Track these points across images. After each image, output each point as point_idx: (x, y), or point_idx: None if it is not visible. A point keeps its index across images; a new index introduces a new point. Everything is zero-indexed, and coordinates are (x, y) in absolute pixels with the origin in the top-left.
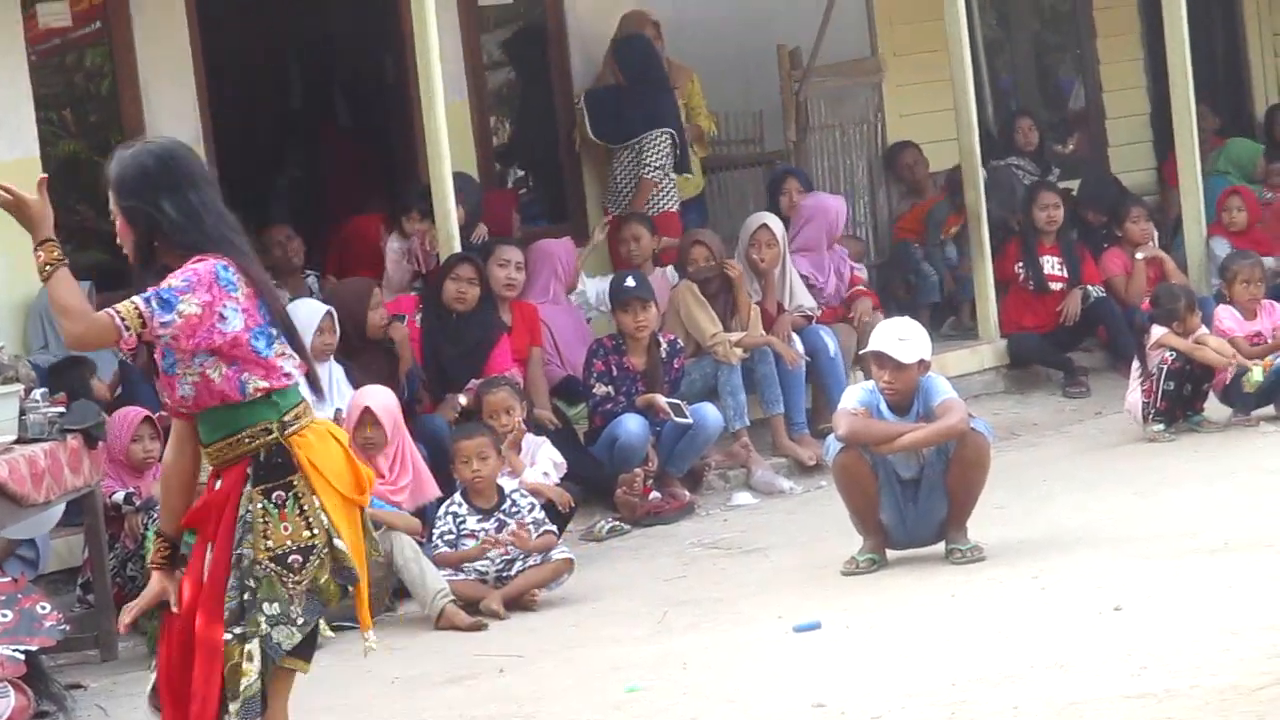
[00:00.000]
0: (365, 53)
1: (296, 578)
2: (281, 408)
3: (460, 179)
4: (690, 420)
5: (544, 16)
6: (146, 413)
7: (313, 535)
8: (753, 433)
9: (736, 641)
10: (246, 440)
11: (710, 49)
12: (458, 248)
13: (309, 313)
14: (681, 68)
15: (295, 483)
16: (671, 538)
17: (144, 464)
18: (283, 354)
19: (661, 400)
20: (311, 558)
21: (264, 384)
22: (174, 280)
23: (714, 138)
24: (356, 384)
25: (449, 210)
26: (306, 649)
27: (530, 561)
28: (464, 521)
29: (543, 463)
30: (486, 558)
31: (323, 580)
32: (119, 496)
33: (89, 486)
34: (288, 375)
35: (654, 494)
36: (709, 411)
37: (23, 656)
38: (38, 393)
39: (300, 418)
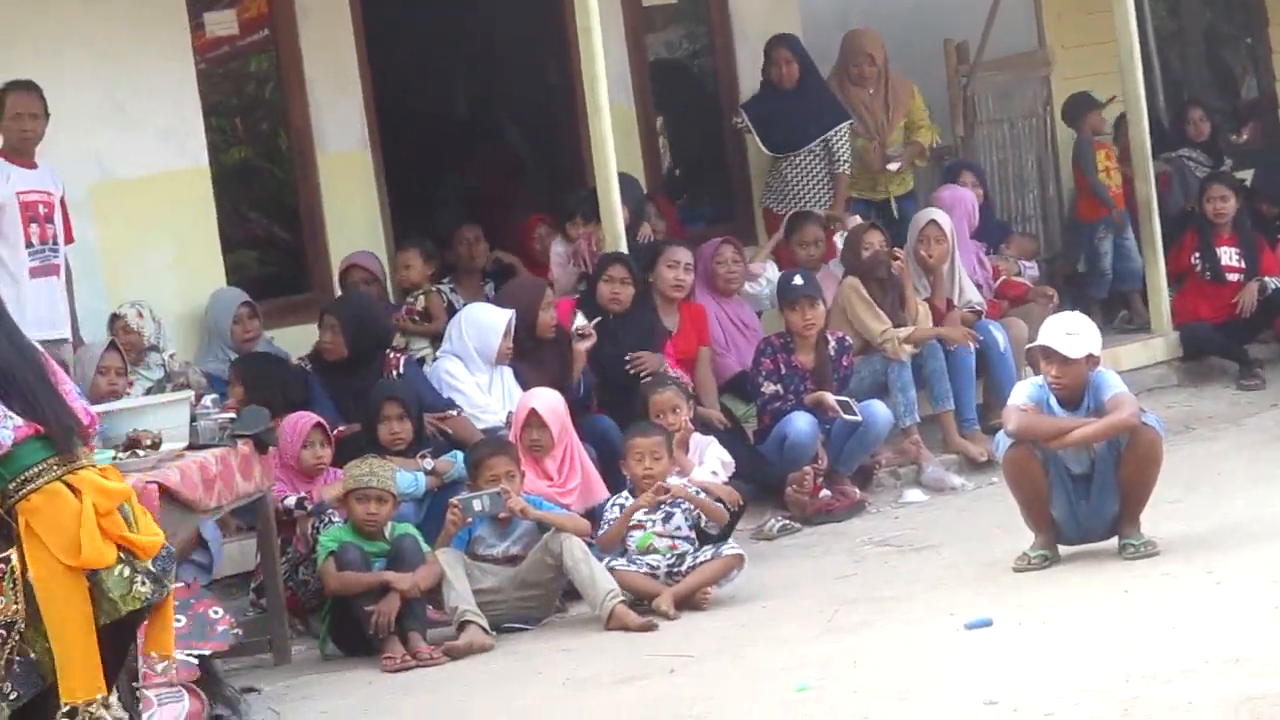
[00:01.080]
0: (532, 56)
1: (1, 651)
2: (7, 477)
3: (623, 180)
4: (859, 418)
5: (709, 15)
6: (318, 419)
7: (17, 609)
8: (923, 429)
9: (907, 639)
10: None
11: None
12: (624, 249)
13: (495, 317)
14: (902, 81)
15: (10, 556)
16: (842, 536)
17: (314, 470)
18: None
19: (830, 398)
20: (13, 633)
21: None
22: None
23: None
24: (526, 385)
25: (615, 211)
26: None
27: (700, 557)
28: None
29: (711, 461)
30: (655, 550)
31: (35, 654)
32: (290, 501)
33: (260, 492)
34: None
35: (824, 492)
36: (878, 408)
37: (196, 661)
38: (208, 399)
39: (34, 479)
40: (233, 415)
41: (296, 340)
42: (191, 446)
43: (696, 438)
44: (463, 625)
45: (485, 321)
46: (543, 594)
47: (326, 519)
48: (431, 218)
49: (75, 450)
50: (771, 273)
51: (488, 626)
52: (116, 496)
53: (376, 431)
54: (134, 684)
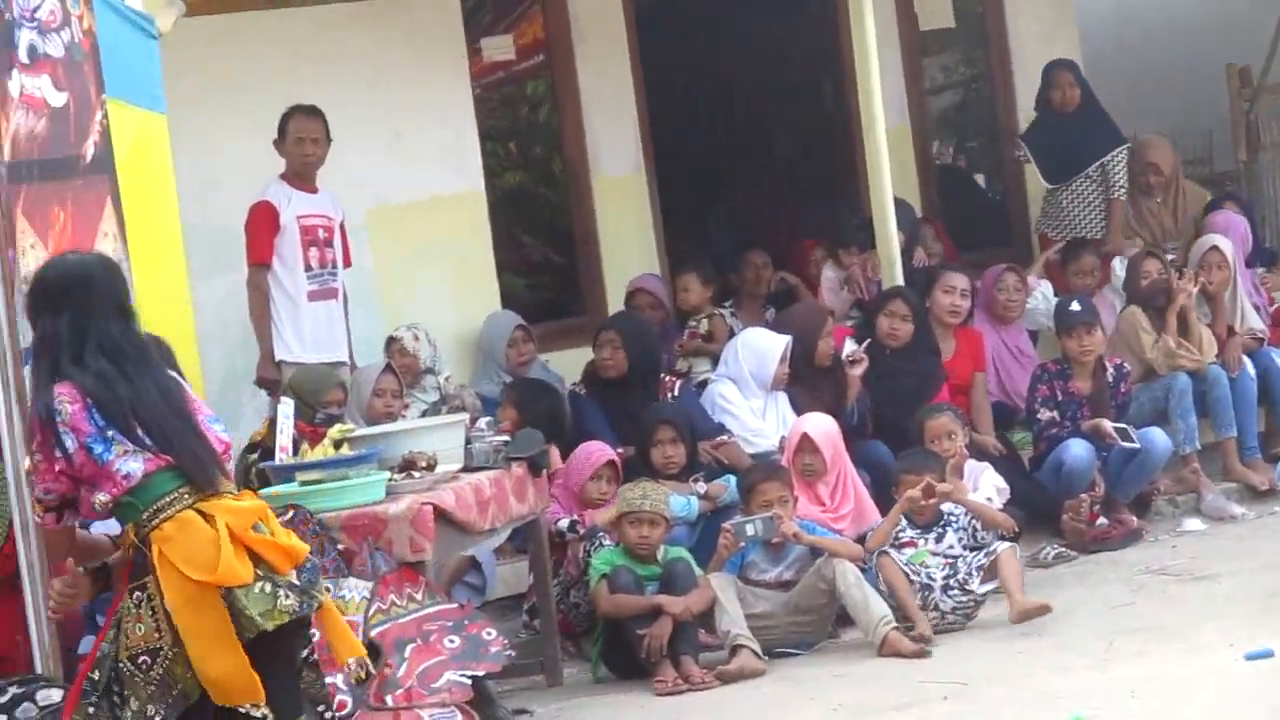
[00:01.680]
0: (807, 79)
1: (145, 678)
2: (140, 507)
3: (897, 204)
4: (1138, 445)
5: (986, 39)
6: (613, 456)
7: (160, 637)
8: (1202, 457)
9: (1186, 670)
10: (125, 542)
11: (1156, 67)
12: (899, 274)
13: (772, 343)
14: (1193, 190)
15: (148, 584)
16: (1119, 564)
17: (596, 503)
18: (124, 452)
19: (1108, 425)
20: (158, 659)
21: (105, 497)
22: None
23: None
24: (800, 411)
25: (890, 235)
26: None
27: (976, 560)
28: (903, 532)
29: (985, 488)
30: (929, 577)
31: (178, 675)
32: (563, 524)
33: (533, 514)
34: (126, 477)
35: (1100, 520)
36: (1157, 436)
37: (469, 681)
38: (483, 421)
39: (166, 508)
40: (507, 438)
41: (570, 363)
42: (466, 469)
43: (971, 464)
44: (735, 649)
45: (762, 347)
46: (815, 619)
47: (598, 542)
48: (707, 240)
49: (213, 480)
50: (1046, 289)
51: (760, 651)
52: (250, 515)
53: (650, 455)
54: (320, 709)
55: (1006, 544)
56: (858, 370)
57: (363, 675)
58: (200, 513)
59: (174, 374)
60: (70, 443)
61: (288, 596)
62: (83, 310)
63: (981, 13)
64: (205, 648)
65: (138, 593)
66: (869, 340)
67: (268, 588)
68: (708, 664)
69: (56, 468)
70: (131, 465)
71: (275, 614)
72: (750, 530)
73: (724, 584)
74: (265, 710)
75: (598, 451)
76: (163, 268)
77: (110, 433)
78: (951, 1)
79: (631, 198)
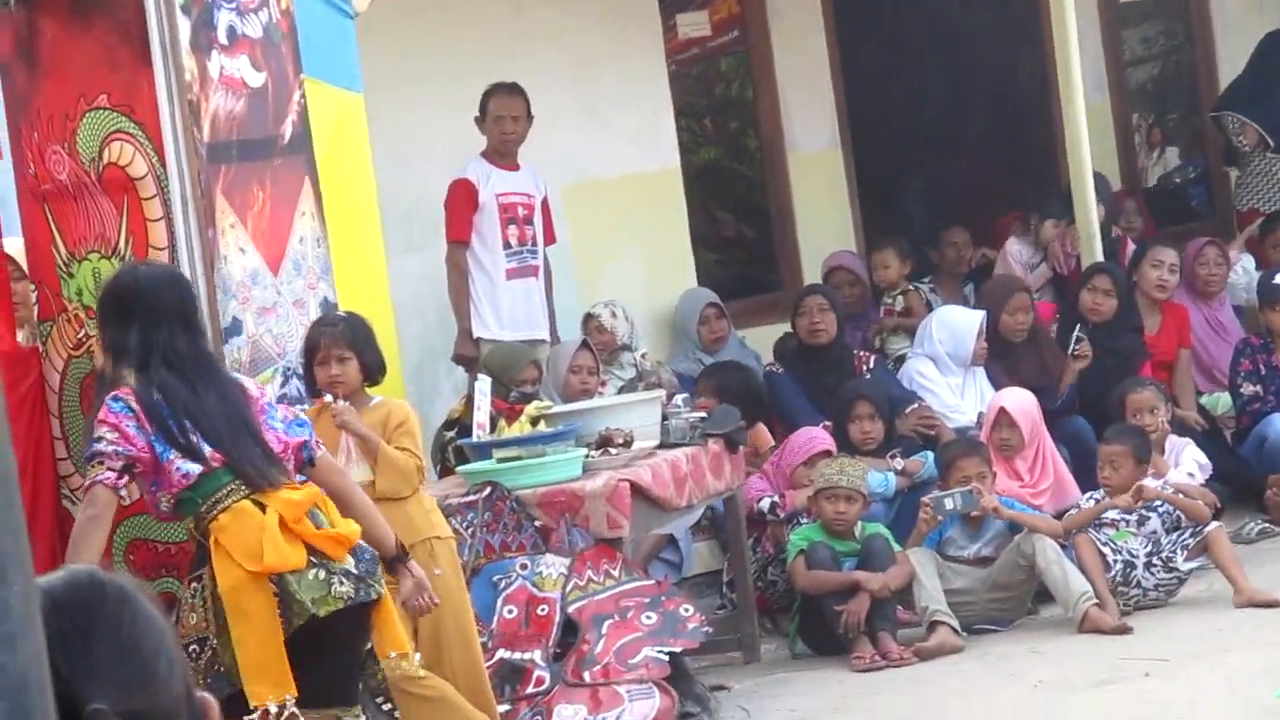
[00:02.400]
0: (1003, 53)
1: (194, 666)
2: (199, 501)
3: (1095, 178)
4: None
5: (1187, 9)
6: (830, 447)
7: (208, 626)
8: None
9: None
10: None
11: None
12: (1099, 249)
13: (968, 319)
14: None
15: (204, 574)
16: None
17: (801, 485)
18: (184, 453)
19: None
20: (206, 646)
21: (167, 496)
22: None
23: None
24: (998, 386)
25: (1089, 209)
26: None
27: (1182, 539)
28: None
29: (1187, 463)
30: (1130, 554)
31: (223, 660)
32: (764, 504)
33: (730, 490)
34: (185, 476)
35: None
36: None
37: (667, 658)
38: (679, 398)
39: (223, 500)
40: (704, 414)
41: (765, 340)
42: (663, 445)
43: (1173, 439)
44: (933, 625)
45: (958, 323)
46: (1014, 595)
47: (797, 524)
48: (904, 215)
49: (267, 477)
50: (1248, 263)
51: (958, 627)
52: (303, 505)
53: (847, 430)
54: (379, 700)
55: (1215, 524)
56: (1080, 364)
57: (403, 669)
58: (257, 503)
59: (237, 377)
60: (135, 432)
61: (342, 584)
62: (150, 322)
63: None
64: (248, 632)
65: (194, 584)
66: (1079, 335)
67: (321, 575)
68: (905, 640)
69: (129, 435)
70: (190, 465)
71: (329, 600)
72: (949, 504)
73: (923, 559)
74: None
75: (816, 439)
76: (360, 246)
77: (167, 438)
78: None
79: (827, 174)
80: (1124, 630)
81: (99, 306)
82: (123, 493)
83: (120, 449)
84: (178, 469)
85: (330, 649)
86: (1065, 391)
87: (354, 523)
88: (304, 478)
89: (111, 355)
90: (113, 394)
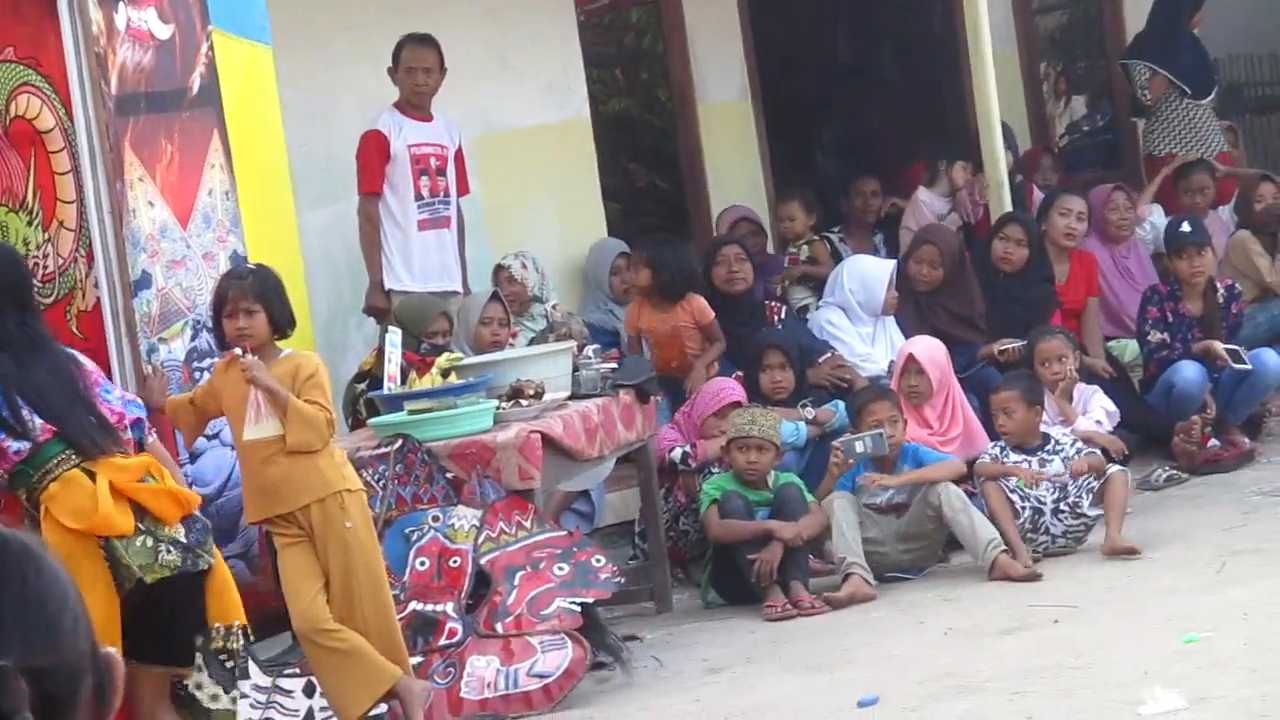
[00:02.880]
0: (914, 3)
1: None
2: (31, 473)
3: (1002, 128)
4: (1250, 366)
5: None
6: (740, 397)
7: None
8: None
9: None
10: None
11: None
12: (1007, 198)
13: (879, 268)
14: None
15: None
16: (1231, 486)
17: (712, 435)
18: (13, 430)
19: (1219, 346)
20: None
21: (1, 470)
22: None
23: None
24: (909, 335)
25: (998, 159)
26: None
27: (1089, 484)
28: (1007, 457)
29: (1095, 411)
30: (1039, 501)
31: None
32: (675, 455)
33: (641, 441)
34: (18, 452)
35: (1212, 441)
36: (1269, 357)
37: (579, 609)
38: (590, 349)
39: (54, 469)
40: (614, 365)
41: None
42: (574, 396)
43: (1081, 387)
44: (847, 576)
45: (869, 272)
46: (925, 544)
47: (709, 473)
48: (813, 166)
49: (99, 446)
50: (1157, 217)
51: (870, 577)
52: (135, 470)
53: (759, 380)
54: (222, 659)
55: (1118, 468)
56: (1007, 350)
57: (230, 644)
58: (87, 472)
59: (71, 352)
60: None
61: (169, 552)
62: None
63: None
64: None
65: None
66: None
67: (149, 542)
68: (817, 589)
69: None
70: (20, 442)
71: (156, 568)
72: (860, 447)
73: (845, 506)
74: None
75: (727, 389)
76: (270, 198)
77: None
78: None
79: (737, 124)
80: (1034, 577)
81: None
82: None
83: None
84: (9, 446)
85: (164, 612)
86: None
87: (194, 495)
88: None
89: None
90: None
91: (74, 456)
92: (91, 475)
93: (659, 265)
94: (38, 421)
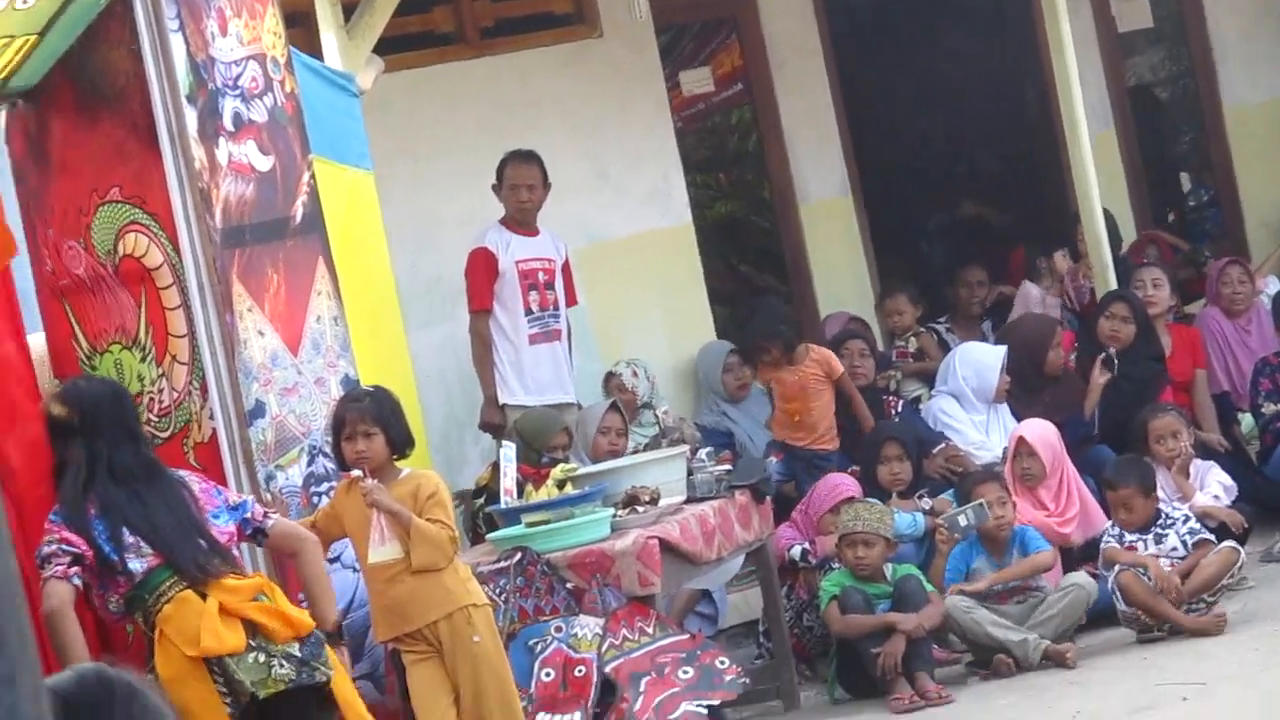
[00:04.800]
0: (1006, 89)
1: None
2: (146, 596)
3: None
4: None
5: (1187, 35)
6: (855, 492)
7: None
8: None
9: None
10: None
11: None
12: (1113, 279)
13: (990, 355)
14: None
15: (155, 666)
16: None
17: (829, 532)
18: (129, 555)
19: None
20: None
21: (115, 597)
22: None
23: None
24: (1020, 419)
25: (1100, 241)
26: None
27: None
28: (1122, 539)
29: (1212, 485)
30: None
31: None
32: (795, 552)
33: (760, 540)
34: (130, 575)
35: None
36: None
37: (706, 711)
38: (703, 452)
39: (167, 592)
40: (728, 467)
41: None
42: (690, 500)
43: (1197, 463)
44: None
45: (980, 360)
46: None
47: (829, 569)
48: (918, 257)
49: (206, 571)
50: (1274, 287)
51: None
52: (246, 591)
53: (877, 473)
54: None
55: (1231, 543)
56: (1104, 379)
57: None
58: (199, 593)
59: (182, 476)
60: (74, 535)
61: (282, 666)
62: (92, 434)
63: (1181, 11)
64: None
65: (150, 675)
66: (1108, 352)
67: (261, 657)
68: (943, 679)
69: (70, 539)
70: (135, 565)
71: (269, 682)
72: (963, 521)
73: (958, 600)
74: None
75: (842, 485)
76: (379, 320)
77: (113, 541)
78: (1148, 2)
79: (840, 220)
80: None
81: (46, 421)
82: (76, 581)
83: (64, 548)
84: (120, 570)
85: None
86: (1092, 411)
87: (306, 614)
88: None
89: (55, 470)
90: (53, 510)
91: (183, 581)
92: (203, 595)
93: (759, 331)
94: (146, 549)
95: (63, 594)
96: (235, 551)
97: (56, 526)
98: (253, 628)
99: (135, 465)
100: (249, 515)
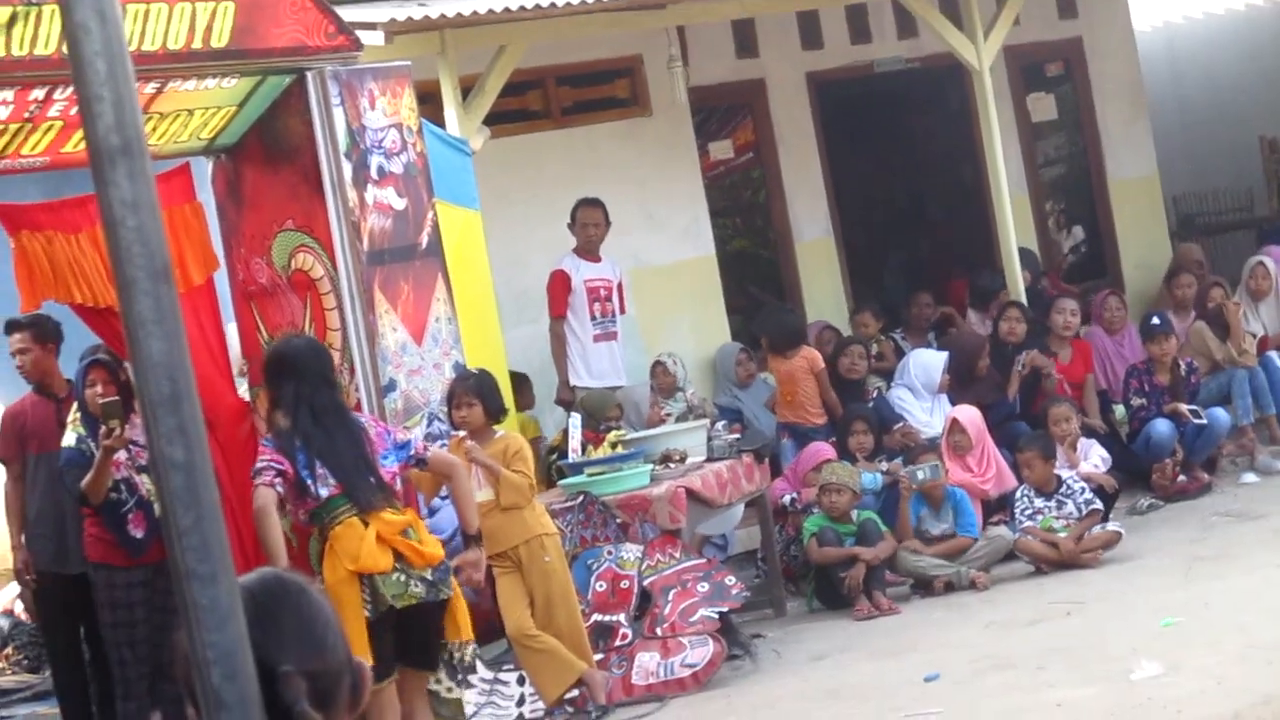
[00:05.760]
0: (951, 161)
1: None
2: (324, 516)
3: (1022, 252)
4: (1206, 421)
5: (1081, 125)
6: (832, 456)
7: None
8: (1254, 428)
9: (1245, 585)
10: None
11: (1207, 142)
12: (1023, 298)
13: (936, 359)
14: None
15: (323, 572)
16: (1195, 510)
17: (810, 484)
18: (315, 483)
19: (1183, 407)
20: None
21: (303, 512)
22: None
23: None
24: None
25: (1017, 274)
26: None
27: (1093, 530)
28: (1032, 502)
29: (1093, 457)
30: (1055, 530)
31: None
32: (785, 500)
33: (759, 490)
34: (317, 498)
35: (1181, 477)
36: (1220, 414)
37: (717, 616)
38: (720, 424)
39: (340, 517)
40: (738, 436)
41: None
42: (709, 459)
43: (1083, 441)
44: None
45: (928, 362)
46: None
47: (810, 511)
48: (881, 284)
49: (373, 505)
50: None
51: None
52: (398, 525)
53: (848, 443)
54: (456, 670)
55: (1116, 526)
56: (1024, 372)
57: (462, 654)
58: (363, 521)
59: (362, 422)
60: (281, 457)
61: (417, 586)
62: (300, 380)
63: (1077, 107)
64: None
65: (318, 579)
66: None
67: (402, 578)
68: (893, 596)
69: (277, 459)
70: (322, 490)
71: (405, 597)
72: (920, 475)
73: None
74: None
75: (822, 451)
76: (480, 322)
77: (308, 469)
78: (1054, 99)
79: (824, 255)
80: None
81: (265, 366)
82: (278, 489)
83: (273, 464)
84: (311, 492)
85: (412, 630)
86: (1014, 398)
87: (439, 547)
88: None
89: (271, 404)
90: (265, 437)
91: (354, 509)
92: (365, 524)
93: (763, 328)
94: (331, 480)
95: (269, 498)
96: (397, 487)
97: (268, 449)
98: (398, 555)
99: (330, 406)
100: (414, 450)
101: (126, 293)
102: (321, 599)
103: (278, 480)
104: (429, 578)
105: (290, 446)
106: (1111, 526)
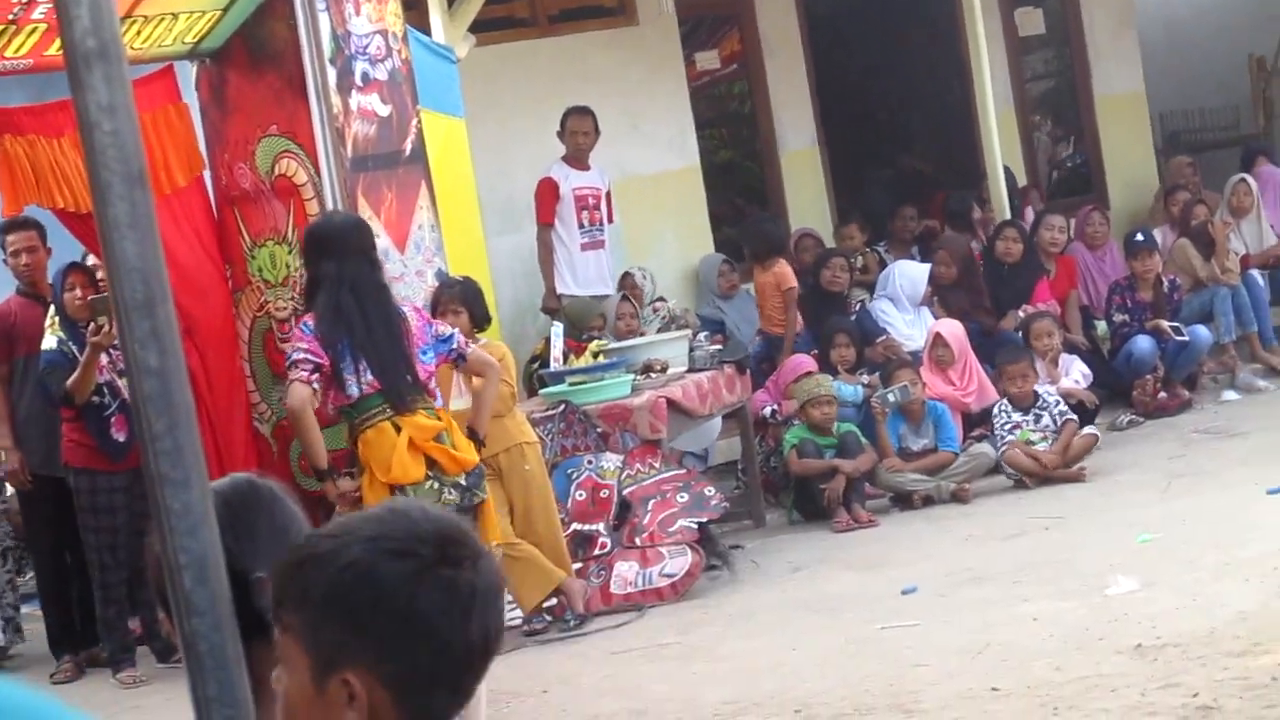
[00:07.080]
0: (938, 75)
1: None
2: (355, 416)
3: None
4: (1188, 338)
5: (1069, 39)
6: (813, 368)
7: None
8: (1236, 345)
9: (1224, 502)
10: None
11: (1198, 58)
12: (1009, 216)
13: (919, 270)
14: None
15: (354, 473)
16: (1175, 427)
17: (790, 396)
18: (352, 378)
19: (1165, 324)
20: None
21: (332, 407)
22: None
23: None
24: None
25: (1001, 190)
26: None
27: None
28: (1010, 417)
29: (1074, 373)
30: (1033, 442)
31: None
32: (766, 411)
33: (740, 402)
34: (349, 395)
35: (1161, 394)
36: (1202, 331)
37: (696, 526)
38: (702, 335)
39: (372, 419)
40: (719, 347)
41: None
42: (691, 370)
43: (1064, 356)
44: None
45: (912, 273)
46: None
47: (791, 423)
48: (867, 198)
49: (408, 403)
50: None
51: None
52: (432, 430)
53: (829, 355)
54: None
55: (1093, 429)
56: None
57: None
58: (395, 425)
59: (403, 311)
60: (320, 347)
61: (450, 493)
62: (342, 256)
63: (1065, 21)
64: None
65: (351, 471)
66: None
67: (435, 486)
68: (872, 509)
69: (316, 350)
70: (353, 388)
71: (439, 504)
72: (891, 398)
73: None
74: None
75: (803, 363)
76: (465, 230)
77: (346, 361)
78: (1042, 13)
79: (809, 167)
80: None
81: (304, 245)
82: (315, 386)
83: (310, 356)
84: (345, 388)
85: None
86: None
87: (473, 451)
88: (440, 403)
89: (309, 283)
90: (301, 320)
91: (388, 410)
92: (397, 429)
93: (744, 237)
94: (368, 376)
95: (304, 395)
96: (432, 386)
97: (307, 337)
98: (431, 461)
99: (371, 286)
100: (455, 345)
101: (101, 197)
102: (293, 506)
103: (314, 377)
104: (463, 483)
105: (331, 335)
106: (1087, 430)
